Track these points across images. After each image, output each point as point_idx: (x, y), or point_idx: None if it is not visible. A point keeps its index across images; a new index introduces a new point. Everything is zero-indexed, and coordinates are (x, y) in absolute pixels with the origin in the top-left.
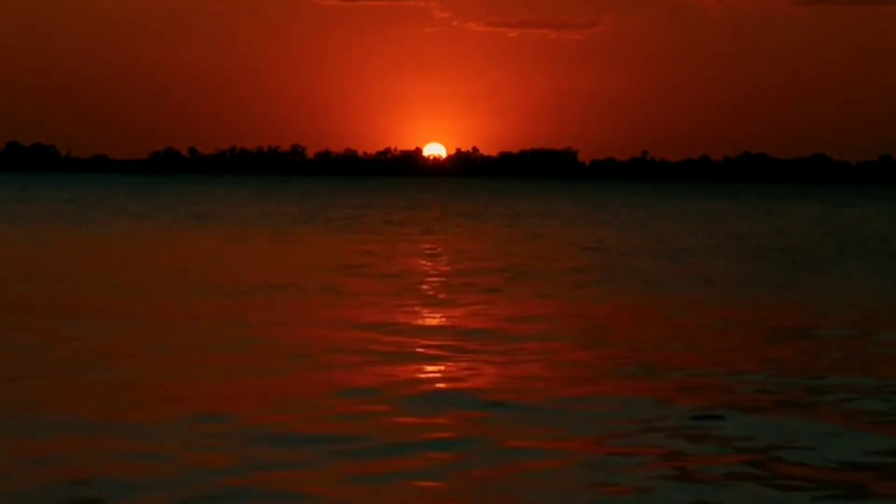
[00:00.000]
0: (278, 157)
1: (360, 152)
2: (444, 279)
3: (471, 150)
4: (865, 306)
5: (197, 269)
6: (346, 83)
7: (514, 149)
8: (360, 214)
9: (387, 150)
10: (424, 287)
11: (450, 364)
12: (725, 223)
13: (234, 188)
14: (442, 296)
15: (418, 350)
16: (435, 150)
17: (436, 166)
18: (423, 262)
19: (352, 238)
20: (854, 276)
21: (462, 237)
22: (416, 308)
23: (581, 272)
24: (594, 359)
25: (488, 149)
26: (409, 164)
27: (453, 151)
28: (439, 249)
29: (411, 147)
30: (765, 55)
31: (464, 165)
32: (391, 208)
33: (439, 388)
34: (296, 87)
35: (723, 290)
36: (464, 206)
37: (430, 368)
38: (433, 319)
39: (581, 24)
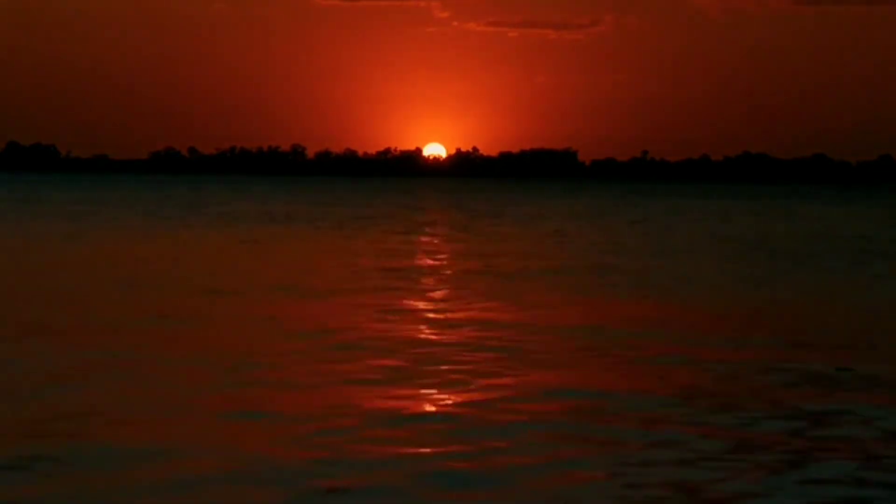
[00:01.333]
0: (278, 157)
1: (360, 152)
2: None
3: (471, 150)
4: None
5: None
6: (346, 83)
7: (514, 149)
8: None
9: (387, 150)
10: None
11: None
12: (714, 223)
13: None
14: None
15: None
16: (435, 150)
17: (436, 166)
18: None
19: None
20: (830, 275)
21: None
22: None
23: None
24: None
25: (488, 149)
26: (409, 164)
27: (453, 151)
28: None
29: (411, 147)
30: (765, 55)
31: (464, 165)
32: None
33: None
34: (296, 87)
35: (698, 288)
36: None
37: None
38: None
39: (581, 23)
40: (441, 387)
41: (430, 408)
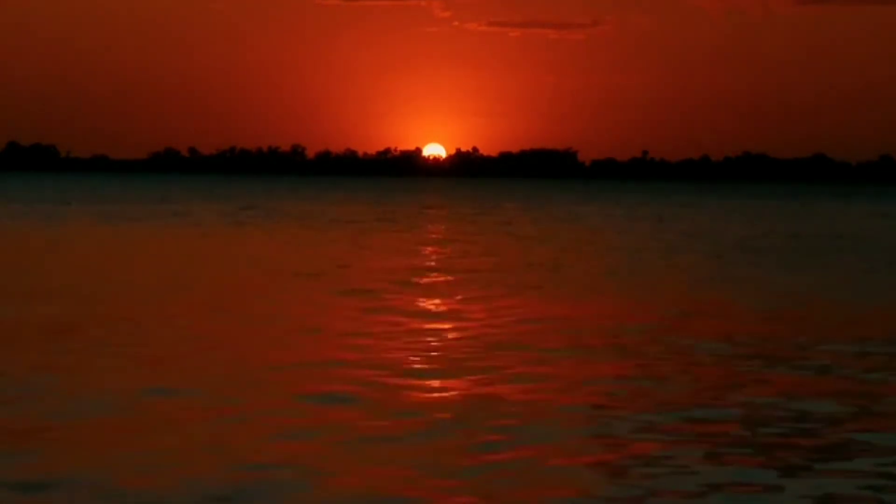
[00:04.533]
0: (278, 157)
1: (360, 152)
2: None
3: (471, 150)
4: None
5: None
6: (346, 83)
7: (514, 149)
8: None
9: (387, 150)
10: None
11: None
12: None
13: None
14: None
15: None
16: (435, 150)
17: (436, 166)
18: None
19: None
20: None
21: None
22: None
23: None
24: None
25: (488, 149)
26: (409, 164)
27: (453, 151)
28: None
29: (411, 147)
30: (765, 55)
31: (464, 165)
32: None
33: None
34: (296, 87)
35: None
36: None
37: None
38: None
39: (583, 23)
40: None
41: None
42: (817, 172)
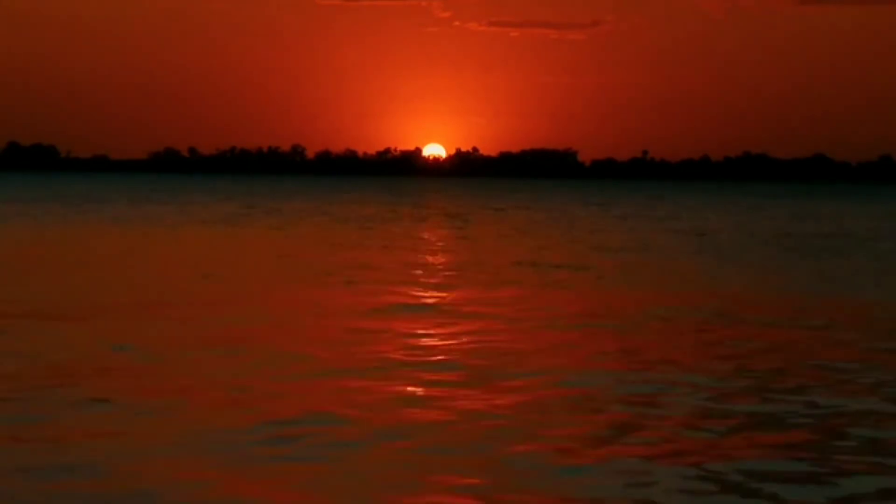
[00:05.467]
0: (278, 157)
1: (360, 152)
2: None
3: (471, 150)
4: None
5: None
6: (346, 83)
7: (515, 149)
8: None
9: (387, 150)
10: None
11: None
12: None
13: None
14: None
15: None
16: (435, 150)
17: (436, 166)
18: None
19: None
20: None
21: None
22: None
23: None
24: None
25: (488, 149)
26: (409, 164)
27: (453, 151)
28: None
29: (411, 147)
30: (766, 55)
31: (464, 165)
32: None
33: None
34: (296, 87)
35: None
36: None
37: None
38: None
39: (583, 23)
40: None
41: None
42: (817, 172)
